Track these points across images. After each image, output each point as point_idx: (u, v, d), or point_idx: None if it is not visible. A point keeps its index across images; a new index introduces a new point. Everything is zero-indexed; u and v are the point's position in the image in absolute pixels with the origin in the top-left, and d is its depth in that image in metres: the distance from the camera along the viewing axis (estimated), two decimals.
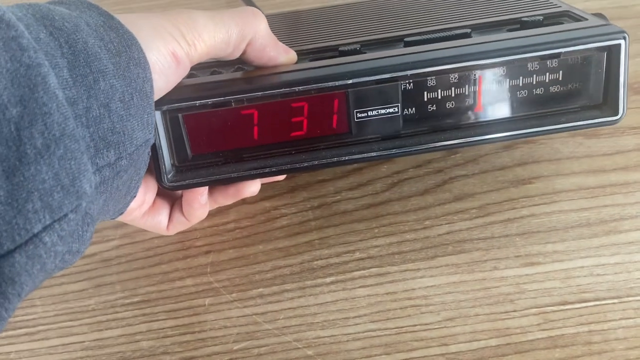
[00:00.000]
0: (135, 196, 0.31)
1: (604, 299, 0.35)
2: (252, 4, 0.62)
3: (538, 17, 0.36)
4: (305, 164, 0.35)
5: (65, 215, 0.22)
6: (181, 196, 0.37)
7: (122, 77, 0.26)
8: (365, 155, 0.35)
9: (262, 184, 0.38)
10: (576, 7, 0.39)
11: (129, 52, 0.26)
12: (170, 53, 0.29)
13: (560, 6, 0.39)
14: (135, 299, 0.38)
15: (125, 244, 0.41)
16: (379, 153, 0.35)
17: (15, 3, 0.25)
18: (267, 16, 0.48)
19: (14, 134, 0.21)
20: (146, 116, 0.28)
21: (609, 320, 0.34)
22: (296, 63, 0.35)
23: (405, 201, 0.41)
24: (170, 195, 0.38)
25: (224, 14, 0.32)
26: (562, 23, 0.36)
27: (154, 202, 0.36)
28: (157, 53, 0.28)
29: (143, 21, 0.29)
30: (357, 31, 0.40)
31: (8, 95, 0.21)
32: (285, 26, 0.44)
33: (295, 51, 0.36)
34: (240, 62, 0.35)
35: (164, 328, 0.36)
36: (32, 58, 0.22)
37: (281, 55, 0.35)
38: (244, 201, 0.42)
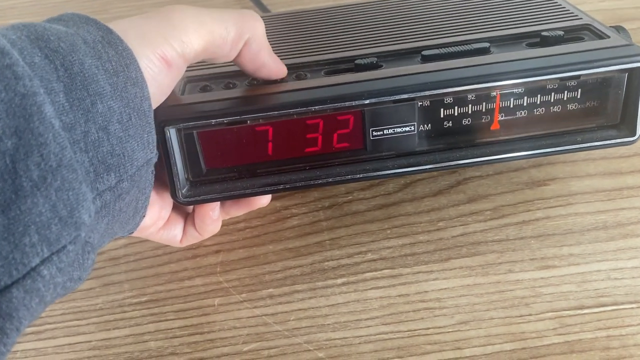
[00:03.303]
0: (144, 215, 0.31)
1: (622, 303, 0.34)
2: (261, 3, 0.61)
3: (558, 32, 0.35)
4: (320, 181, 0.34)
5: (64, 247, 0.22)
6: (193, 210, 0.37)
7: (120, 98, 0.25)
8: (379, 172, 0.34)
9: None
10: (595, 7, 0.38)
11: (126, 71, 0.26)
12: (159, 57, 0.28)
13: (580, 18, 0.38)
14: (144, 299, 0.38)
15: (133, 242, 0.41)
16: (393, 170, 0.34)
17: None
18: (277, 15, 0.48)
19: (9, 166, 0.20)
20: (146, 135, 0.27)
21: (627, 325, 0.33)
22: (312, 78, 0.35)
23: (418, 202, 0.41)
24: (184, 209, 0.38)
25: (222, 11, 0.31)
26: (582, 38, 0.36)
27: (169, 217, 0.36)
28: (145, 59, 0.27)
29: (131, 26, 0.28)
30: (372, 39, 0.39)
31: (3, 126, 0.20)
32: (297, 28, 0.43)
33: (311, 61, 0.36)
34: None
35: (172, 328, 0.36)
36: (27, 87, 0.21)
37: (274, 63, 0.34)
38: None
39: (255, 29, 0.32)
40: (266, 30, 0.33)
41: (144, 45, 0.27)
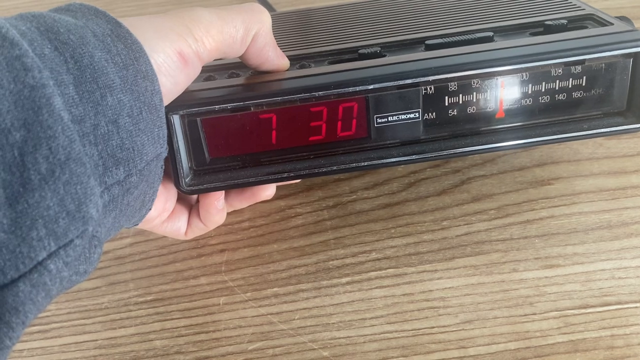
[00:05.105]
0: (150, 209, 0.31)
1: (626, 302, 0.34)
2: (266, 2, 0.61)
3: (562, 21, 0.35)
4: (324, 169, 0.34)
5: (71, 241, 0.22)
6: (197, 202, 0.37)
7: (130, 92, 0.25)
8: (384, 160, 0.34)
9: (277, 184, 0.37)
10: (596, 7, 0.38)
11: (136, 64, 0.26)
12: (177, 53, 0.28)
13: (584, 9, 0.38)
14: (149, 298, 0.38)
15: (139, 241, 0.41)
16: (398, 159, 0.34)
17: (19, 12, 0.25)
18: (283, 14, 0.48)
19: (18, 159, 0.20)
20: (157, 130, 0.27)
21: (632, 325, 0.33)
22: (316, 66, 0.35)
23: (423, 201, 0.41)
24: (188, 201, 0.38)
25: (229, 10, 0.31)
26: (586, 27, 0.36)
27: (174, 209, 0.36)
28: (162, 54, 0.27)
29: (147, 23, 0.28)
30: (376, 32, 0.39)
31: (11, 118, 0.20)
32: (301, 24, 0.43)
33: (315, 52, 0.36)
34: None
35: (177, 327, 0.36)
36: (37, 78, 0.21)
37: (277, 58, 0.34)
38: None
39: (262, 23, 0.32)
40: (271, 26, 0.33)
41: (160, 39, 0.28)
